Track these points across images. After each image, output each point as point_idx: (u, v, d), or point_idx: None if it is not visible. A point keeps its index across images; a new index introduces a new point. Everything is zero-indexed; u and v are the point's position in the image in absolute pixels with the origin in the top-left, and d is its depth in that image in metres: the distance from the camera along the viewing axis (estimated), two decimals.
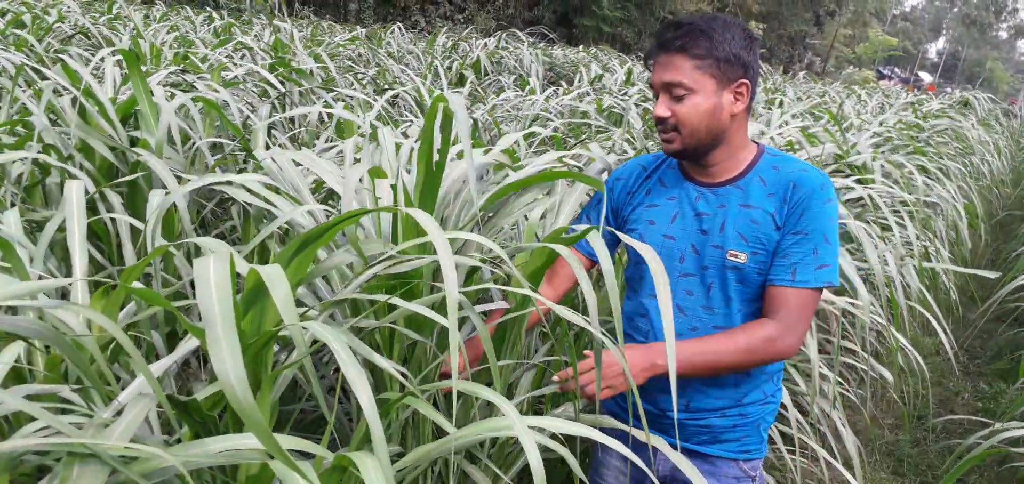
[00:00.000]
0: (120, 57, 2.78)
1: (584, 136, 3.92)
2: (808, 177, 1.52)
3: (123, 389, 1.22)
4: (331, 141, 3.01)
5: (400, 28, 10.18)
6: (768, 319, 1.53)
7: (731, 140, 1.56)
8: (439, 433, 1.54)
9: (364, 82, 5.31)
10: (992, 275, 3.03)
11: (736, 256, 1.52)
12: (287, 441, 0.98)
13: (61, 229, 1.71)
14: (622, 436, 1.55)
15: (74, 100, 2.32)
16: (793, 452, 2.38)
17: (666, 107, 1.52)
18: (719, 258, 1.54)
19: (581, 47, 13.18)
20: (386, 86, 4.87)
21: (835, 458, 2.52)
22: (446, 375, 1.57)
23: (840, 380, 2.73)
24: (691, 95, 1.49)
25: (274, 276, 0.95)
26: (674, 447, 1.57)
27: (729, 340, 1.52)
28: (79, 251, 1.64)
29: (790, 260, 1.51)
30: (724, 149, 1.56)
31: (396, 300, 1.11)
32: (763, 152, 1.61)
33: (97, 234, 2.05)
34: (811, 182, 1.51)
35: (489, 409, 1.61)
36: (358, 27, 11.28)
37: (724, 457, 1.66)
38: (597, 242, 1.27)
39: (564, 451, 1.14)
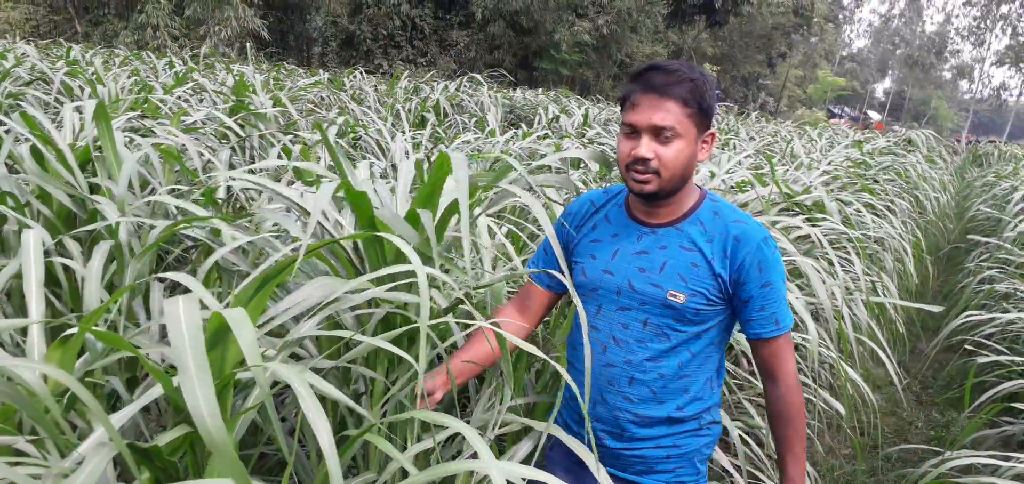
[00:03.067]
0: (79, 103, 2.78)
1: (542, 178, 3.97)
2: (750, 231, 1.59)
3: (80, 437, 1.22)
4: (291, 184, 3.02)
5: (362, 71, 10.23)
6: (782, 377, 1.66)
7: (687, 185, 1.63)
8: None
9: (326, 126, 5.33)
10: (936, 309, 3.14)
11: (675, 296, 1.58)
12: None
13: (17, 277, 1.70)
14: (568, 465, 1.72)
15: (33, 148, 2.32)
16: None
17: (650, 149, 1.53)
18: (658, 297, 1.60)
19: (541, 90, 13.37)
20: (347, 129, 4.89)
21: None
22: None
23: None
24: (678, 140, 1.52)
25: (239, 320, 0.96)
26: (611, 475, 1.61)
27: (798, 428, 1.68)
28: (36, 299, 1.63)
29: (768, 312, 1.60)
30: (679, 193, 1.62)
31: (354, 334, 1.13)
32: (705, 197, 1.67)
33: (57, 282, 2.04)
34: (754, 236, 1.59)
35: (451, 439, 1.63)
36: (321, 71, 11.31)
37: None
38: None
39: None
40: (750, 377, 2.64)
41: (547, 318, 2.39)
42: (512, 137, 5.58)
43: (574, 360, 1.77)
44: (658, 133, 1.53)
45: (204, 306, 1.08)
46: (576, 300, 1.51)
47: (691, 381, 1.66)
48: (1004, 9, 55.15)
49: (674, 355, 1.63)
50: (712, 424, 1.74)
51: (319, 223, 1.74)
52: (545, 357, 1.25)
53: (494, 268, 2.26)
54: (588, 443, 1.69)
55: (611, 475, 1.69)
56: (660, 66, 1.54)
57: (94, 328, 1.12)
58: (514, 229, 2.76)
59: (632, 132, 1.57)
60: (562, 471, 1.81)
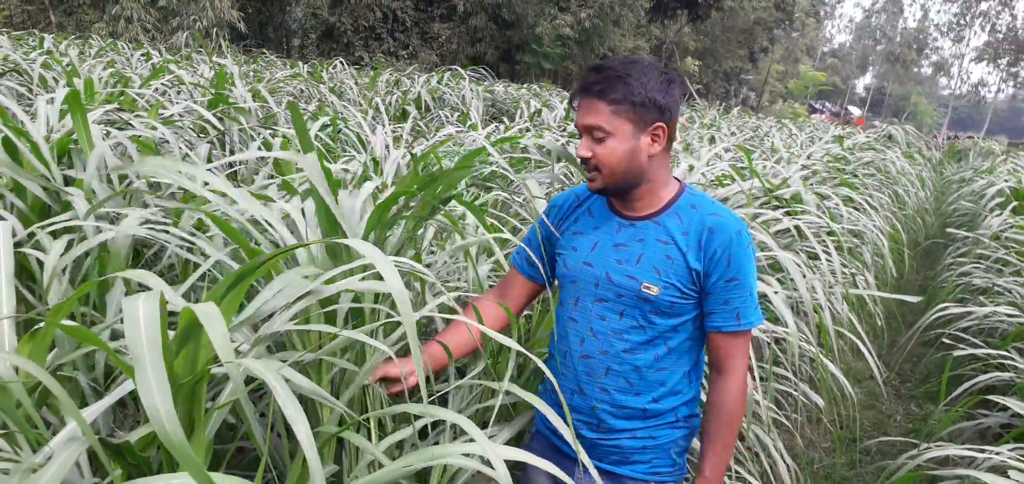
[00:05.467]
0: (54, 95, 2.73)
1: (523, 171, 3.98)
2: (724, 223, 1.60)
3: (53, 433, 1.20)
4: (271, 178, 3.00)
5: (342, 63, 10.15)
6: (728, 373, 1.65)
7: (652, 178, 1.63)
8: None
9: (305, 118, 5.28)
10: (915, 300, 3.17)
11: (649, 288, 1.60)
12: (222, 479, 0.98)
13: None
14: (548, 457, 1.69)
15: (5, 139, 2.27)
16: (730, 476, 2.43)
17: (587, 148, 1.59)
18: (633, 288, 1.62)
19: (524, 85, 13.35)
20: (328, 122, 4.85)
21: (771, 482, 2.59)
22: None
23: (773, 406, 2.81)
24: (609, 138, 1.56)
25: (210, 315, 0.95)
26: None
27: (726, 426, 1.66)
28: (5, 292, 1.60)
29: (732, 306, 1.60)
30: (645, 187, 1.64)
31: (329, 328, 1.12)
32: (684, 190, 1.68)
33: (31, 276, 2.01)
34: (728, 228, 1.60)
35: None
36: (300, 63, 11.23)
37: (634, 478, 1.72)
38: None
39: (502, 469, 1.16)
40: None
41: (528, 312, 2.39)
42: (494, 131, 5.57)
43: (553, 351, 1.80)
44: (591, 132, 1.58)
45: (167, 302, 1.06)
46: (565, 292, 1.51)
47: (668, 374, 1.67)
48: (983, 6, 55.78)
49: (651, 347, 1.65)
50: (689, 418, 1.75)
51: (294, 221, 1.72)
52: (528, 353, 1.24)
53: (476, 261, 2.25)
54: (563, 435, 1.72)
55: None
56: (597, 67, 1.59)
57: (64, 322, 1.10)
58: (496, 223, 2.75)
59: (580, 134, 1.63)
60: (543, 474, 1.82)
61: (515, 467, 2.11)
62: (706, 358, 1.93)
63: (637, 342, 1.64)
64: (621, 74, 1.54)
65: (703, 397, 1.89)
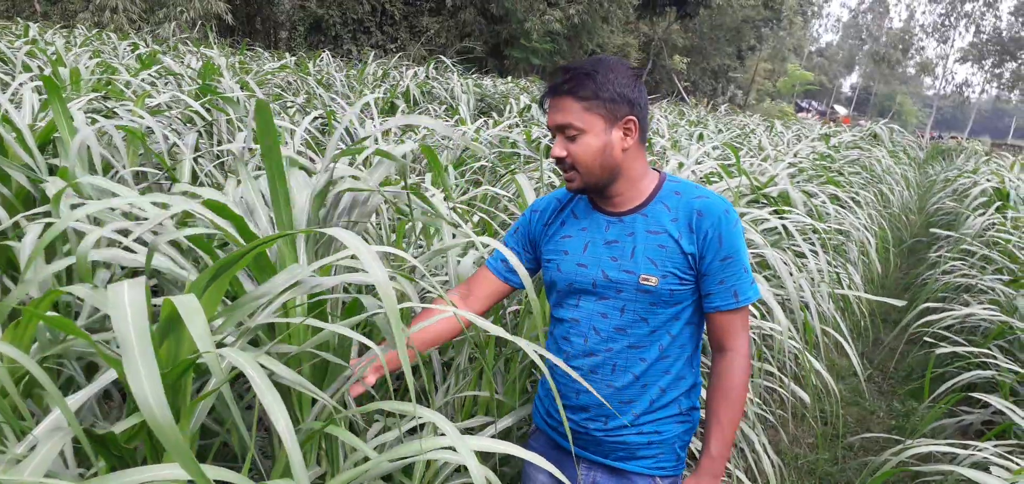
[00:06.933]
0: (40, 83, 2.71)
1: (513, 166, 3.98)
2: (712, 204, 1.62)
3: (36, 424, 1.19)
4: (259, 169, 2.98)
5: (329, 55, 10.10)
6: (730, 350, 1.66)
7: (628, 172, 1.65)
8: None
9: (293, 111, 5.26)
10: (899, 303, 3.19)
11: (648, 279, 1.61)
12: (207, 470, 0.98)
13: None
14: (550, 455, 1.76)
15: None
16: None
17: (562, 147, 1.61)
18: (632, 282, 1.62)
19: (510, 78, 13.33)
20: (315, 113, 4.83)
21: (756, 478, 2.60)
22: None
23: (758, 402, 2.82)
24: (582, 135, 1.58)
25: (190, 308, 0.94)
26: (594, 462, 1.73)
27: (732, 402, 1.66)
28: None
29: (728, 285, 1.62)
30: (623, 181, 1.66)
31: (315, 321, 1.12)
32: (664, 179, 1.70)
33: (14, 266, 1.99)
34: (716, 208, 1.62)
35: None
36: (288, 55, 11.15)
37: (639, 473, 1.72)
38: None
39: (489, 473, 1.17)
40: None
41: (515, 307, 2.38)
42: (483, 125, 5.57)
43: (552, 352, 1.78)
44: (564, 131, 1.60)
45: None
46: (532, 295, 1.52)
47: (672, 362, 1.68)
48: (968, 7, 56.23)
49: (654, 339, 1.66)
50: (691, 410, 1.76)
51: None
52: (525, 345, 1.24)
53: (464, 254, 2.25)
54: (565, 432, 1.73)
55: (593, 462, 1.74)
56: (563, 67, 1.61)
57: (47, 313, 1.09)
58: (486, 218, 2.75)
59: (552, 135, 1.64)
60: (544, 471, 1.82)
61: (507, 463, 2.11)
62: (707, 340, 1.93)
63: (640, 335, 1.65)
64: (589, 71, 1.57)
65: (703, 394, 1.89)
